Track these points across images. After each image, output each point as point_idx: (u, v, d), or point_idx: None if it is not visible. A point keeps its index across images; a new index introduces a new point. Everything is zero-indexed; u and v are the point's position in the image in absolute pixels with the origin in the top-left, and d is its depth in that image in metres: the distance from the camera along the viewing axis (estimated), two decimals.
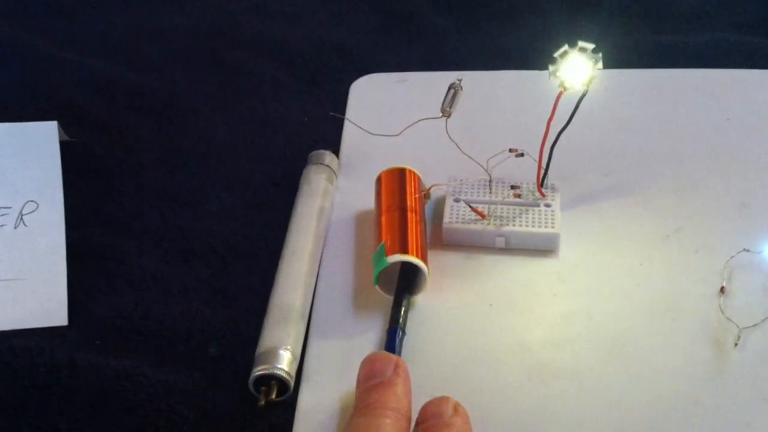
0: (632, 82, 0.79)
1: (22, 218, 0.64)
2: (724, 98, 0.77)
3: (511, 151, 0.68)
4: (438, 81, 0.68)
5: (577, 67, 0.62)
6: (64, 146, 0.69)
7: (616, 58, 0.80)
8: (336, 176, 0.71)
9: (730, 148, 0.72)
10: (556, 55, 0.61)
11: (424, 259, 0.61)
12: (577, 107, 0.63)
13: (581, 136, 0.66)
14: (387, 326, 0.59)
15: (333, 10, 0.92)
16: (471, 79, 0.75)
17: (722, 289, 0.60)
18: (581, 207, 0.68)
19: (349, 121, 0.75)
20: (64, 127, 0.71)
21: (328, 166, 0.71)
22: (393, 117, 0.71)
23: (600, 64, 0.61)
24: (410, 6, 0.92)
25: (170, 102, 0.80)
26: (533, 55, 0.83)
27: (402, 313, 0.58)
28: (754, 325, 0.58)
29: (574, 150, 0.69)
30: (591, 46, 0.61)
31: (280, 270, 0.63)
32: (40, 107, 0.78)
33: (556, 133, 0.64)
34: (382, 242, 0.61)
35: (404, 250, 0.61)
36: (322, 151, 0.72)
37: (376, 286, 0.61)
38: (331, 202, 0.69)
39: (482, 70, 0.82)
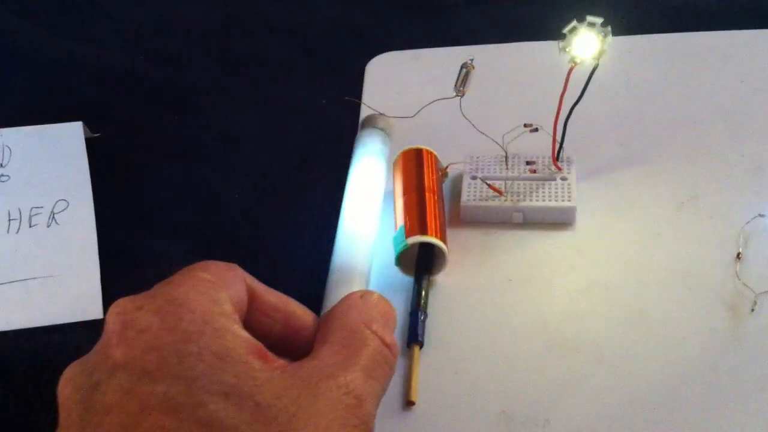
0: (643, 49, 0.79)
1: (54, 217, 0.67)
2: (738, 60, 0.77)
3: (526, 126, 0.69)
4: (452, 57, 0.69)
5: (586, 42, 0.62)
6: (89, 143, 0.71)
7: (626, 23, 0.80)
8: (390, 140, 0.72)
9: (745, 112, 0.72)
10: (564, 30, 0.62)
11: (443, 239, 0.63)
12: (588, 82, 0.63)
13: (595, 107, 0.66)
14: (409, 308, 0.60)
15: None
16: (484, 54, 0.76)
17: (738, 255, 0.61)
18: (597, 179, 0.69)
19: (366, 104, 0.76)
20: (85, 123, 0.73)
21: (382, 129, 0.72)
22: (409, 96, 0.72)
23: (610, 38, 0.62)
24: None
25: (187, 94, 0.82)
26: (545, 25, 0.83)
27: (423, 295, 0.60)
28: None
29: (588, 121, 0.69)
30: (599, 20, 0.62)
31: (342, 231, 0.64)
32: (60, 105, 0.80)
33: (569, 107, 0.65)
34: (402, 224, 0.63)
35: (423, 231, 0.62)
36: (375, 113, 0.73)
37: (398, 267, 0.63)
38: (385, 165, 0.70)
39: (494, 44, 0.82)
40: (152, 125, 0.79)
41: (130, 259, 0.67)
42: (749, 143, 0.69)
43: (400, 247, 0.62)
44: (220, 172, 0.74)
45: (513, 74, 0.79)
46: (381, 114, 0.72)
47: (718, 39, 0.79)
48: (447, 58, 0.73)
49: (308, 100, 0.80)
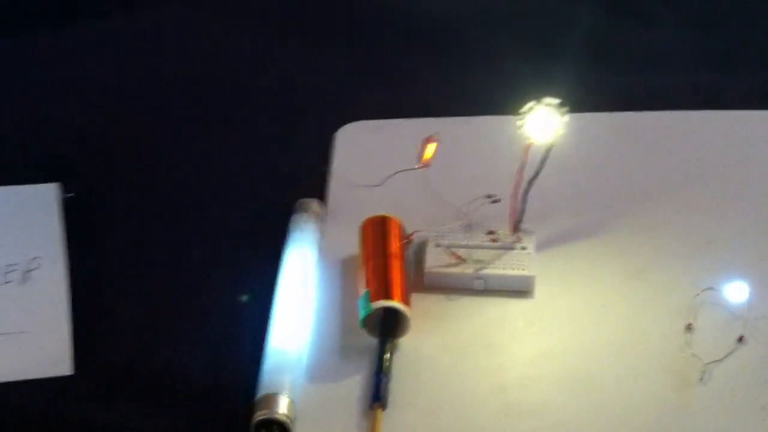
0: (600, 126, 0.83)
1: (27, 274, 0.68)
2: (689, 139, 0.81)
3: (487, 197, 0.72)
4: (419, 127, 0.73)
5: (544, 121, 0.66)
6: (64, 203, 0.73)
7: (583, 100, 0.84)
8: (323, 223, 0.75)
9: (696, 188, 0.76)
10: (522, 110, 0.66)
11: (407, 303, 0.65)
12: (545, 159, 0.67)
13: (553, 181, 0.70)
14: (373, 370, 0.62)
15: (311, 59, 0.96)
16: (449, 126, 0.80)
17: (688, 326, 0.64)
18: (554, 249, 0.72)
19: (334, 173, 0.79)
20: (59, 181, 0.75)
21: (315, 213, 0.75)
22: (377, 164, 0.76)
23: (565, 118, 0.66)
24: (390, 53, 0.96)
25: (153, 154, 0.84)
26: (505, 99, 0.87)
27: (385, 358, 0.62)
28: (718, 360, 0.61)
29: (547, 194, 0.73)
30: (556, 101, 0.65)
31: (274, 317, 0.67)
32: (30, 163, 0.82)
33: (528, 181, 0.68)
34: (367, 288, 0.65)
35: (387, 296, 0.64)
36: (308, 199, 0.76)
37: (363, 329, 0.65)
38: (319, 249, 0.73)
39: (459, 116, 0.86)
40: (117, 184, 0.81)
41: (95, 316, 0.69)
42: (700, 218, 0.73)
43: (365, 310, 0.64)
44: (183, 232, 0.76)
45: (477, 147, 0.82)
46: (315, 199, 0.76)
47: (671, 118, 0.83)
48: (414, 129, 0.76)
49: (275, 164, 0.83)
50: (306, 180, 0.80)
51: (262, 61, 0.95)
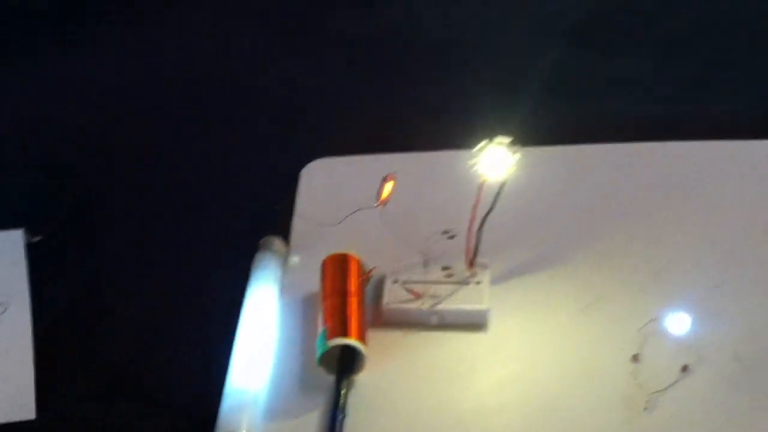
0: (557, 159, 0.85)
1: None
2: (642, 170, 0.83)
3: (444, 233, 0.74)
4: (381, 163, 0.75)
5: (496, 159, 0.68)
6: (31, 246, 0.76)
7: (543, 131, 0.87)
8: (286, 261, 0.77)
9: (646, 220, 0.78)
10: (475, 149, 0.68)
11: (363, 340, 0.67)
12: (498, 195, 0.69)
13: (508, 215, 0.71)
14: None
15: (266, 100, 0.99)
16: (408, 162, 0.82)
17: (635, 357, 0.66)
18: (510, 282, 0.74)
19: (297, 211, 0.81)
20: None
21: (277, 251, 0.77)
22: (341, 201, 0.77)
23: (517, 155, 0.68)
24: (357, 87, 0.99)
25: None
26: (471, 132, 0.89)
27: (341, 395, 0.64)
28: (662, 390, 0.63)
29: (504, 227, 0.75)
30: (507, 140, 0.68)
31: (234, 355, 0.68)
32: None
33: (483, 216, 0.70)
34: (324, 326, 0.67)
35: (344, 334, 0.66)
36: (271, 237, 0.78)
37: (321, 367, 0.66)
38: (281, 286, 0.75)
39: (417, 152, 0.88)
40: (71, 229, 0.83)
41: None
42: (649, 249, 0.75)
43: (322, 349, 0.66)
44: (146, 267, 0.78)
45: (437, 182, 0.84)
46: (278, 237, 0.78)
47: (623, 150, 0.85)
48: (378, 165, 0.78)
49: (241, 201, 0.85)
50: (279, 218, 0.81)
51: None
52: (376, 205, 0.71)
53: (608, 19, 1.06)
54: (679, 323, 0.67)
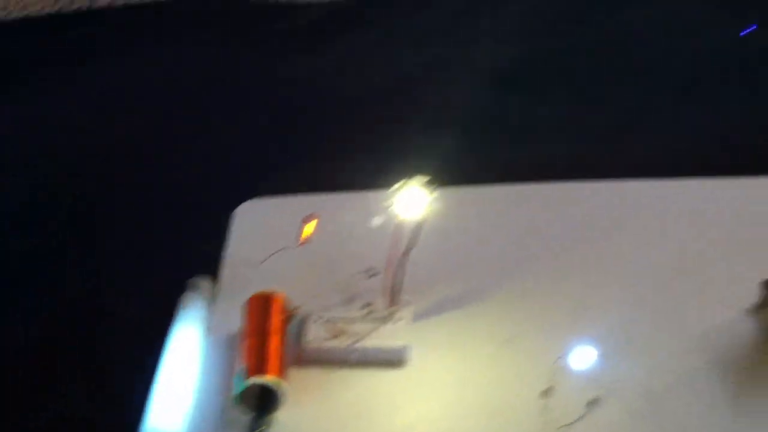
0: (478, 199, 0.87)
1: None
2: (560, 210, 0.85)
3: (367, 271, 0.76)
4: (315, 204, 0.79)
5: (413, 198, 0.70)
6: None
7: (459, 174, 0.89)
8: (212, 301, 0.78)
9: (563, 258, 0.80)
10: (392, 189, 0.70)
11: (283, 378, 0.68)
12: (417, 233, 0.71)
13: (432, 252, 0.74)
14: None
15: (207, 140, 1.01)
16: (338, 201, 0.84)
17: (546, 391, 0.68)
18: (431, 319, 0.75)
19: (227, 251, 0.82)
20: None
21: (204, 291, 0.78)
22: (271, 241, 0.79)
23: (434, 195, 0.70)
24: (284, 134, 1.01)
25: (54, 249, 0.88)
26: (397, 174, 0.92)
27: None
28: (570, 424, 0.65)
29: (427, 265, 0.77)
30: (425, 179, 0.70)
31: (155, 394, 0.69)
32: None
33: (402, 254, 0.72)
34: (242, 365, 0.68)
35: (262, 372, 0.67)
36: (199, 278, 0.79)
37: (240, 406, 0.67)
38: (207, 326, 0.76)
39: (349, 192, 0.89)
40: None
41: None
42: (565, 287, 0.77)
43: (240, 387, 0.67)
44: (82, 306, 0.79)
45: (360, 222, 0.85)
46: (205, 278, 0.79)
47: (541, 191, 0.88)
48: (306, 205, 0.80)
49: (172, 242, 0.86)
50: (209, 259, 0.83)
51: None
52: (297, 245, 0.72)
53: (535, 66, 1.09)
54: (588, 359, 0.68)
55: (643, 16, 1.06)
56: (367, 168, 0.95)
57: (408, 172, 0.71)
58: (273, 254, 0.75)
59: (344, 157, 0.99)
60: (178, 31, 1.13)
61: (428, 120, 1.00)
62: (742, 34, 1.02)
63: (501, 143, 0.97)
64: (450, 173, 0.90)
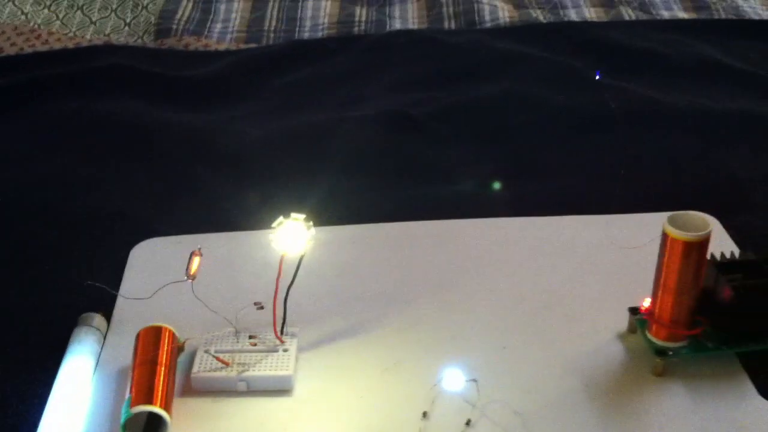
0: (365, 234, 0.92)
1: None
2: (443, 246, 0.90)
3: (255, 304, 0.78)
4: (212, 242, 0.85)
5: (295, 233, 0.74)
6: None
7: (361, 211, 0.94)
8: (104, 336, 0.80)
9: (448, 289, 0.85)
10: (273, 225, 0.73)
11: (168, 408, 0.70)
12: (298, 268, 0.74)
13: (319, 285, 0.79)
14: None
15: (111, 177, 1.03)
16: (230, 240, 0.87)
17: (424, 414, 0.71)
18: (317, 349, 0.78)
19: (121, 287, 0.84)
20: None
21: (96, 327, 0.80)
22: (163, 277, 0.81)
23: (313, 231, 0.73)
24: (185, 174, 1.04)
25: None
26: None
27: None
28: None
29: (313, 298, 0.81)
30: (302, 216, 0.73)
31: (44, 426, 0.70)
32: None
33: (286, 288, 0.75)
34: (129, 395, 0.70)
35: (148, 401, 0.69)
36: (91, 313, 0.81)
37: None
38: (97, 360, 0.77)
39: (232, 231, 0.93)
40: None
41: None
42: (446, 316, 0.81)
43: (125, 416, 0.68)
44: None
45: (250, 258, 0.88)
46: (98, 314, 0.81)
47: (422, 228, 0.93)
48: (200, 244, 0.82)
49: (70, 279, 0.87)
50: (105, 295, 0.84)
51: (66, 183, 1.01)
52: (185, 278, 0.75)
53: (437, 113, 1.15)
54: (464, 382, 0.72)
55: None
56: (256, 210, 0.98)
57: (290, 211, 0.75)
58: (161, 288, 0.77)
59: (236, 199, 1.02)
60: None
61: (313, 167, 1.05)
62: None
63: (395, 185, 1.02)
64: (337, 212, 0.95)
